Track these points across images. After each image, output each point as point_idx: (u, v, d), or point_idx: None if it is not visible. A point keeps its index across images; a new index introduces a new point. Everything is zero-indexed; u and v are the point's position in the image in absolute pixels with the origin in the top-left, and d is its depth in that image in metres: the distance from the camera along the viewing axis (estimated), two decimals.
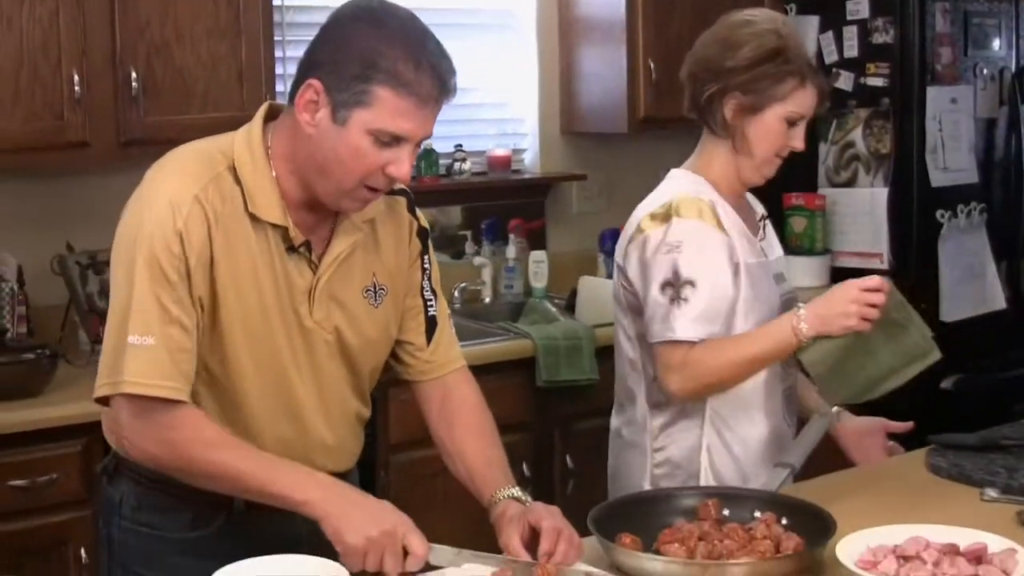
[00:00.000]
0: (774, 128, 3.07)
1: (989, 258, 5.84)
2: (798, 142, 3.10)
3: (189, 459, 2.46)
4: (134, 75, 4.27)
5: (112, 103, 4.26)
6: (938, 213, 5.62)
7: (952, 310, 5.65)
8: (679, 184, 3.15)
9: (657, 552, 2.53)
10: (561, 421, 4.77)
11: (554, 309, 5.29)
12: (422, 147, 5.14)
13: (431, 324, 2.77)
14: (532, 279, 5.42)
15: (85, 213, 4.61)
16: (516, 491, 2.59)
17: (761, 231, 3.24)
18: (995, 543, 2.46)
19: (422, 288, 2.75)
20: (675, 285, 3.02)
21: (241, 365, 2.51)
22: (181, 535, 2.58)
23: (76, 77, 4.16)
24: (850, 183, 5.73)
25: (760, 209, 3.30)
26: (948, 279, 5.65)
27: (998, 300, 5.86)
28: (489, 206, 5.60)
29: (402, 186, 2.68)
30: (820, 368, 2.98)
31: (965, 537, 2.48)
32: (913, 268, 5.63)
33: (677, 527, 2.61)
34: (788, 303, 3.14)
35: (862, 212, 5.69)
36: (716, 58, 3.11)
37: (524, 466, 4.65)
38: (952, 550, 2.42)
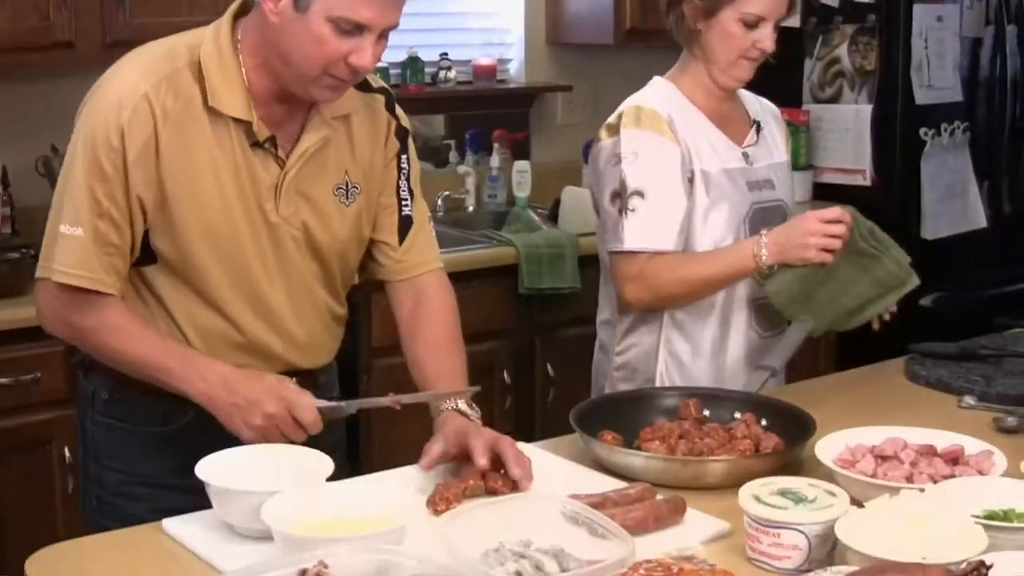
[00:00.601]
0: (731, 31, 3.03)
1: (971, 177, 5.85)
2: (766, 43, 3.04)
3: (95, 345, 2.53)
4: None
5: (98, 3, 4.22)
6: (921, 131, 5.62)
7: (934, 228, 5.67)
8: (644, 94, 3.14)
9: (638, 449, 2.56)
10: (542, 329, 4.79)
11: (537, 218, 5.30)
12: (407, 55, 5.23)
13: (405, 223, 2.75)
14: (515, 188, 5.40)
15: (70, 114, 4.53)
16: (462, 404, 2.57)
17: (753, 135, 3.20)
18: (972, 445, 2.50)
19: (398, 188, 2.73)
20: (622, 196, 3.01)
21: (203, 260, 2.50)
22: (152, 429, 2.59)
23: None
24: (834, 99, 5.73)
25: (759, 113, 3.25)
26: (930, 197, 5.65)
27: (979, 218, 5.87)
28: (473, 116, 5.59)
29: (382, 84, 2.70)
30: (781, 298, 2.98)
31: (942, 439, 2.52)
32: (895, 185, 5.64)
33: (658, 425, 2.64)
34: (765, 213, 3.11)
35: (846, 128, 5.69)
36: None
37: (505, 374, 4.68)
38: (929, 451, 2.46)
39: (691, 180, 3.06)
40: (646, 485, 2.32)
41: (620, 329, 3.20)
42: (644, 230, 3.01)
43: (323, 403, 2.44)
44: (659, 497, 2.28)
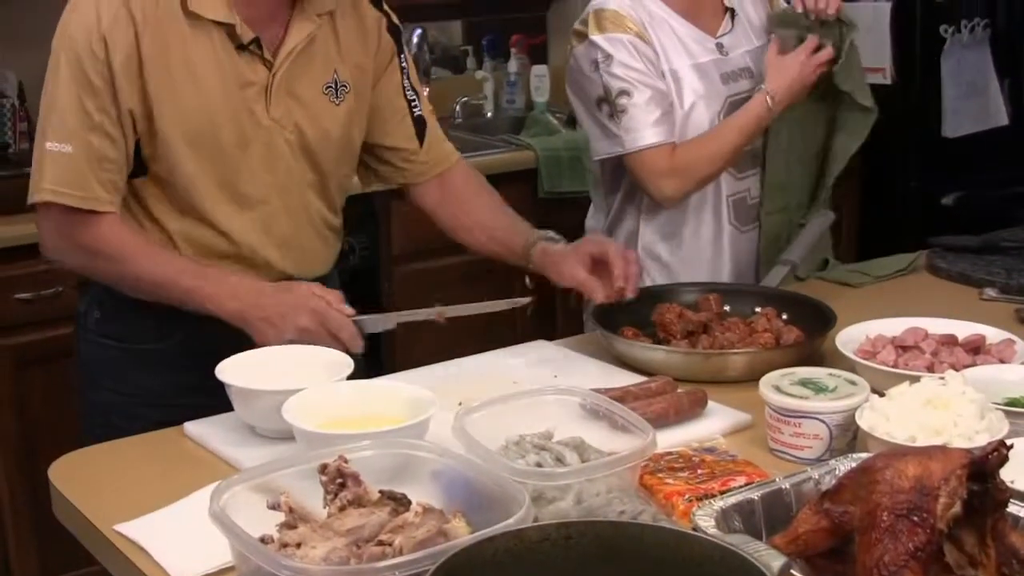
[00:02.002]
0: None
1: (992, 74, 5.79)
2: None
3: (104, 270, 2.49)
4: None
5: None
6: (941, 28, 5.56)
7: (954, 126, 5.63)
8: None
9: (655, 325, 2.61)
10: (563, 231, 4.72)
11: (556, 122, 5.26)
12: None
13: (419, 124, 2.74)
14: (534, 93, 5.38)
15: None
16: (550, 232, 2.65)
17: (727, 23, 3.13)
18: (993, 335, 2.49)
19: (403, 88, 2.71)
20: (609, 100, 2.98)
21: (190, 169, 2.46)
22: (145, 346, 2.56)
23: None
24: None
25: (735, 2, 3.17)
26: (950, 95, 5.61)
27: (1000, 116, 5.81)
28: (490, 21, 5.56)
29: None
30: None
31: (963, 329, 2.51)
32: (916, 84, 5.59)
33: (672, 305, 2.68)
34: (738, 107, 3.04)
35: (865, 27, 5.52)
36: None
37: (526, 278, 4.66)
38: (950, 340, 2.45)
39: (663, 78, 3.02)
40: (667, 379, 2.32)
41: (601, 222, 3.24)
42: (650, 124, 2.97)
43: (361, 317, 2.44)
44: (680, 390, 2.28)
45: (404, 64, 2.71)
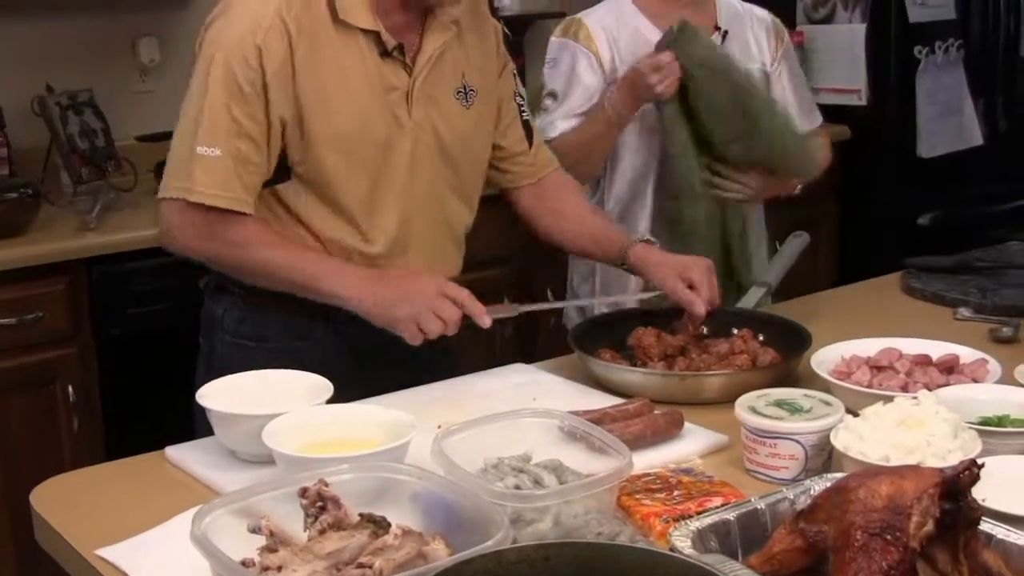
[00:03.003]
0: None
1: (966, 94, 5.85)
2: None
3: (239, 260, 2.56)
4: None
5: None
6: (916, 49, 5.62)
7: (930, 146, 5.68)
8: (593, 8, 3.33)
9: (633, 348, 2.63)
10: (544, 254, 4.79)
11: None
12: None
13: (528, 128, 2.86)
14: None
15: (64, 54, 4.59)
16: (647, 235, 2.76)
17: (719, 40, 3.27)
18: (967, 354, 2.51)
19: (516, 94, 2.83)
20: (543, 95, 3.26)
21: (336, 172, 2.55)
22: (285, 344, 2.62)
23: None
24: (828, 19, 5.72)
25: (730, 21, 3.32)
26: (925, 115, 5.66)
27: (975, 136, 5.87)
28: None
29: None
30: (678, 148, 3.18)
31: (938, 349, 2.53)
32: (891, 104, 5.65)
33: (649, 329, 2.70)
34: None
35: (840, 48, 5.69)
36: None
37: (504, 299, 4.69)
38: (925, 360, 2.48)
39: (612, 83, 3.20)
40: (645, 400, 2.34)
41: None
42: (554, 124, 3.21)
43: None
44: (657, 412, 2.30)
45: (515, 70, 2.84)
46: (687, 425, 2.30)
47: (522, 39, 5.72)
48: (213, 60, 2.49)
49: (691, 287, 2.68)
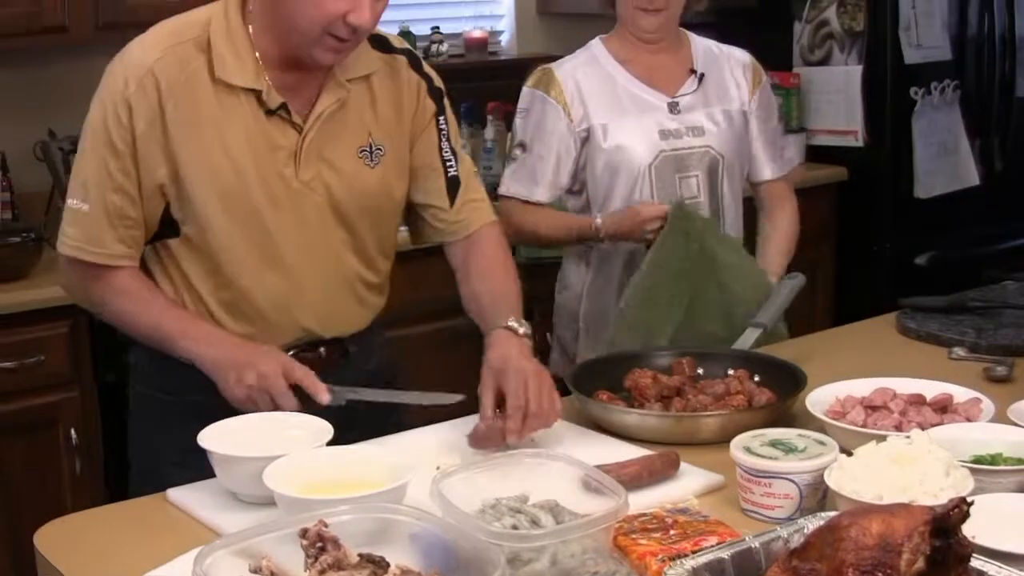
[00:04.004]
0: None
1: (962, 135, 5.87)
2: None
3: (109, 312, 2.61)
4: None
5: None
6: (912, 90, 5.64)
7: (926, 187, 5.69)
8: (568, 57, 3.40)
9: (630, 392, 2.64)
10: (542, 296, 4.80)
11: None
12: (399, 30, 5.25)
13: (452, 184, 2.78)
14: None
15: (66, 98, 4.59)
16: (511, 321, 2.60)
17: (692, 84, 3.34)
18: (960, 393, 2.54)
19: (440, 149, 2.76)
20: (512, 145, 3.33)
21: (221, 231, 2.54)
22: (195, 399, 2.56)
23: None
24: (824, 61, 5.76)
25: (708, 64, 3.38)
26: (922, 156, 5.68)
27: (971, 176, 5.89)
28: (467, 88, 5.60)
29: (406, 45, 2.74)
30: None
31: (932, 389, 2.56)
32: (888, 145, 5.66)
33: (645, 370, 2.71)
34: (678, 160, 3.28)
35: (837, 90, 5.72)
36: None
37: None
38: (918, 400, 2.50)
39: (587, 135, 3.26)
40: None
41: (561, 271, 3.48)
42: (517, 180, 3.30)
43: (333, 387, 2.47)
44: (653, 452, 2.32)
45: (443, 126, 2.76)
46: (683, 465, 2.32)
47: (521, 83, 5.74)
48: (91, 115, 2.53)
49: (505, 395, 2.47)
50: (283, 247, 2.59)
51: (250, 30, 2.52)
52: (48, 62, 4.59)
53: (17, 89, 4.61)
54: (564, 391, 2.64)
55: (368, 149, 2.64)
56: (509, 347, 2.55)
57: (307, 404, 2.44)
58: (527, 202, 3.30)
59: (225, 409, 2.47)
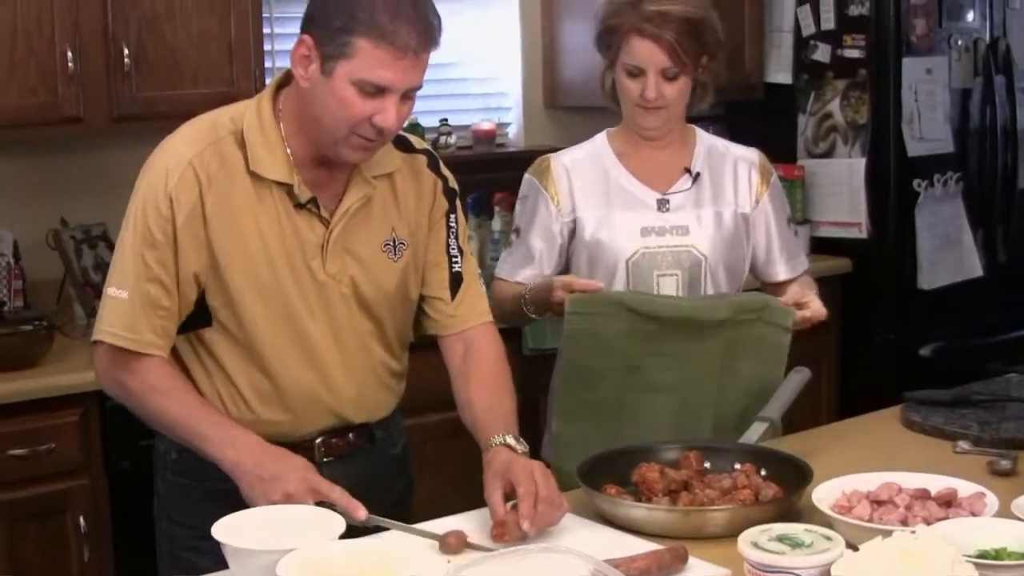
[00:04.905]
0: (621, 82, 3.27)
1: (965, 226, 5.91)
2: (648, 92, 3.22)
3: (138, 404, 2.64)
4: (126, 51, 4.32)
5: (105, 78, 4.31)
6: (915, 182, 5.69)
7: (930, 278, 5.73)
8: (572, 148, 3.44)
9: (638, 486, 2.65)
10: (547, 388, 4.82)
11: None
12: (407, 122, 5.29)
13: (456, 279, 2.85)
14: None
15: (79, 188, 4.67)
16: (510, 438, 2.63)
17: (685, 182, 3.34)
18: (965, 488, 2.55)
19: (447, 246, 2.84)
20: (511, 231, 3.40)
21: (254, 319, 2.62)
22: (220, 486, 2.59)
23: (70, 53, 4.21)
24: (828, 153, 5.82)
25: (704, 164, 3.37)
26: (926, 247, 5.72)
27: (975, 268, 5.93)
28: (474, 179, 5.64)
29: (425, 146, 2.83)
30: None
31: (936, 483, 2.57)
32: (891, 237, 5.71)
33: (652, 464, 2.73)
34: (657, 257, 3.28)
35: (841, 182, 5.77)
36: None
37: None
38: (923, 495, 2.52)
39: (572, 226, 3.31)
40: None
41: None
42: (507, 262, 3.38)
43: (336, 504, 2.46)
44: (662, 547, 2.34)
45: (453, 224, 2.84)
46: (691, 559, 2.34)
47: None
48: (132, 207, 2.60)
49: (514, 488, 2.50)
50: (313, 336, 2.66)
51: (281, 127, 2.61)
52: (63, 152, 4.65)
53: (32, 177, 4.66)
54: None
55: (391, 243, 2.72)
56: (510, 454, 2.59)
57: None
58: (511, 283, 3.34)
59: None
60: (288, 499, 2.43)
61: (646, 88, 3.21)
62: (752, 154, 3.45)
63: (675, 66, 3.19)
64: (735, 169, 3.38)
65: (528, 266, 3.33)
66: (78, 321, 4.52)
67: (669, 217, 3.30)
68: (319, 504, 2.42)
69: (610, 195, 3.31)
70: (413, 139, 2.82)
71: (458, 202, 2.86)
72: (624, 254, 3.27)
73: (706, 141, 3.41)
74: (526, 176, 3.40)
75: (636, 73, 3.21)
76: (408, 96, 2.52)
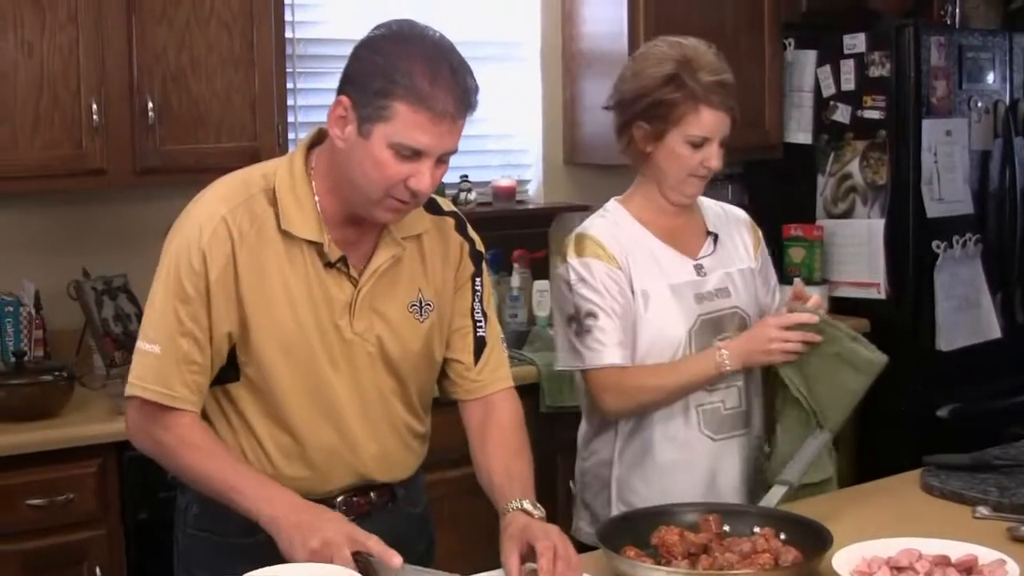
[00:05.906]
0: (679, 152, 3.19)
1: (984, 288, 5.92)
2: (712, 162, 3.20)
3: (171, 458, 2.63)
4: (151, 104, 4.35)
5: (129, 131, 4.34)
6: (934, 243, 5.71)
7: (948, 339, 5.73)
8: (592, 220, 3.34)
9: (657, 549, 2.65)
10: (564, 446, 4.79)
11: None
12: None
13: (479, 344, 2.85)
14: (536, 308, 5.45)
15: (101, 239, 4.70)
16: (527, 504, 2.63)
17: (709, 246, 3.33)
18: (985, 554, 2.55)
19: (472, 309, 2.84)
20: (578, 319, 3.20)
21: (279, 375, 2.62)
22: (239, 540, 2.62)
23: (94, 105, 4.25)
24: (847, 214, 5.83)
25: (717, 225, 3.38)
26: (944, 309, 5.73)
27: (993, 329, 5.94)
28: (493, 236, 5.61)
29: (453, 208, 2.84)
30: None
31: (956, 550, 2.57)
32: (909, 298, 5.72)
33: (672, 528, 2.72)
34: (714, 323, 3.26)
35: (859, 242, 5.78)
36: (620, 89, 3.28)
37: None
38: (944, 561, 2.51)
39: (632, 294, 3.22)
40: None
41: (583, 435, 3.39)
42: (608, 345, 3.18)
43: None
44: None
45: (479, 288, 2.85)
46: None
47: (547, 231, 5.81)
48: (164, 262, 2.61)
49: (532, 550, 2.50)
50: (337, 395, 2.67)
51: (313, 186, 2.62)
52: (86, 203, 4.68)
53: (55, 228, 4.69)
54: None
55: (418, 304, 2.73)
56: (527, 519, 2.59)
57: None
58: (626, 367, 3.19)
59: (273, 549, 2.50)
60: (326, 546, 2.41)
61: (710, 157, 3.19)
62: (743, 214, 3.50)
63: (729, 133, 3.22)
64: (737, 228, 3.42)
65: (629, 342, 3.20)
66: (97, 372, 4.54)
67: (709, 281, 3.29)
68: (355, 554, 2.40)
69: (656, 264, 3.26)
70: (442, 201, 2.84)
71: (485, 265, 2.87)
72: (688, 320, 3.22)
73: (707, 203, 3.43)
74: (573, 260, 3.22)
75: (699, 143, 3.18)
76: (443, 160, 2.54)
